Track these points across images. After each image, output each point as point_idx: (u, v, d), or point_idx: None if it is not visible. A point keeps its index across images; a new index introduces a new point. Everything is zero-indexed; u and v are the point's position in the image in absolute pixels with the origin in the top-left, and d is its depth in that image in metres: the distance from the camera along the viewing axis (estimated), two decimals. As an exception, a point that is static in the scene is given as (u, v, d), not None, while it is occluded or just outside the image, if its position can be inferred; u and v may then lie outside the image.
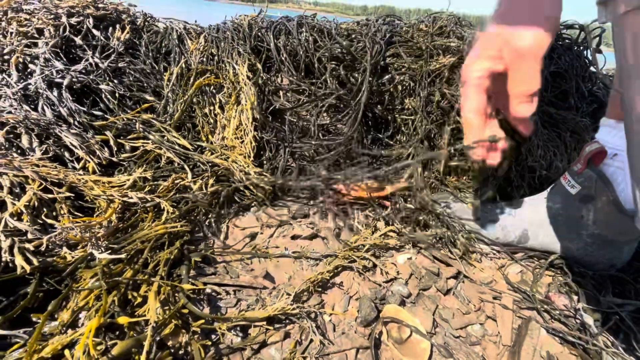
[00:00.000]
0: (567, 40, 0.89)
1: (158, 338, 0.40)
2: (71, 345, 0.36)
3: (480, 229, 0.71)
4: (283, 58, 0.83)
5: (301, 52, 0.82)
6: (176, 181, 0.66)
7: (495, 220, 0.71)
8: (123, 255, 0.46)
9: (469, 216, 0.73)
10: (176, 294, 0.46)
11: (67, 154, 0.63)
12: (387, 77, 0.81)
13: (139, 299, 0.44)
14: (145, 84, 0.77)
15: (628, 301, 0.59)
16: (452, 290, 0.61)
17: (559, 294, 0.61)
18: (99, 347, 0.35)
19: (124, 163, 0.69)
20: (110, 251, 0.47)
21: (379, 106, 0.83)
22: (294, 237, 0.66)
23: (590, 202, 0.63)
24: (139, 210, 0.58)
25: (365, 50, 0.77)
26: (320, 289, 0.55)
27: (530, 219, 0.69)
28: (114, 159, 0.68)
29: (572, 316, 0.58)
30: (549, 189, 0.69)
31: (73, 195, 0.57)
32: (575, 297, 0.61)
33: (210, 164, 0.73)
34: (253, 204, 0.74)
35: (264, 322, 0.46)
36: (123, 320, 0.38)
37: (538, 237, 0.68)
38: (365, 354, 0.47)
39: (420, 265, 0.63)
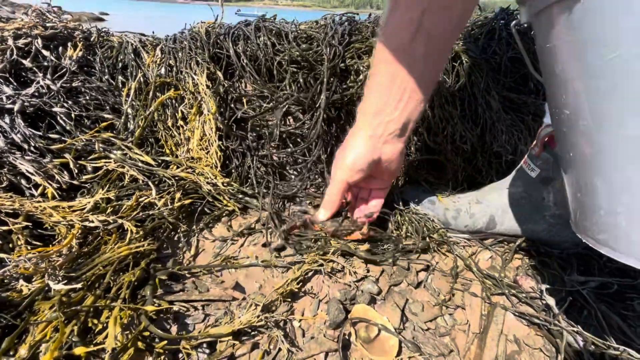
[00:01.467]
0: (524, 25, 0.90)
1: (121, 363, 0.40)
2: (27, 381, 0.36)
3: (448, 221, 0.72)
4: (244, 64, 0.82)
5: (261, 57, 0.82)
6: (140, 199, 0.65)
7: (464, 209, 0.72)
8: (79, 285, 0.45)
9: (438, 208, 0.74)
10: (140, 316, 0.46)
11: (23, 182, 0.62)
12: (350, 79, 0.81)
13: (100, 326, 0.43)
14: (102, 102, 0.76)
15: (590, 278, 0.61)
16: (423, 283, 0.62)
17: (526, 277, 0.63)
18: (52, 382, 0.34)
19: (87, 185, 0.68)
20: (66, 280, 0.46)
21: (343, 109, 0.84)
22: (264, 245, 0.66)
23: (549, 184, 0.65)
24: (101, 234, 0.57)
25: (322, 54, 0.77)
26: (289, 297, 0.55)
27: (496, 205, 0.70)
28: (75, 182, 0.67)
29: (538, 298, 0.59)
30: (512, 174, 0.71)
31: (31, 224, 0.56)
32: (540, 279, 0.63)
33: (176, 178, 0.72)
34: (224, 214, 0.73)
35: (230, 337, 0.46)
36: (80, 350, 0.38)
37: (505, 222, 0.70)
38: (335, 357, 0.48)
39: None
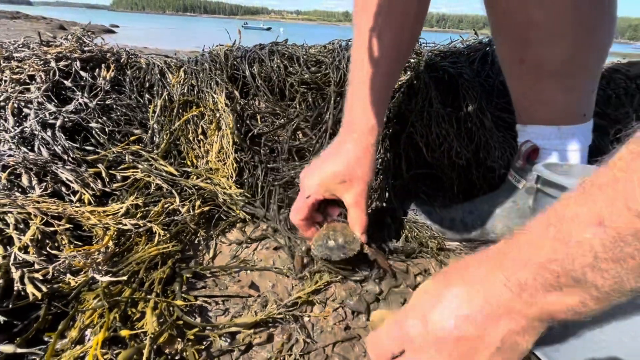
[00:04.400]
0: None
1: (156, 347, 0.47)
2: (81, 358, 0.42)
3: (445, 230, 0.79)
4: (259, 84, 0.91)
5: (274, 78, 0.90)
6: (165, 206, 0.73)
7: (458, 219, 0.79)
8: (125, 277, 0.52)
9: (435, 218, 0.80)
10: (171, 308, 0.53)
11: (64, 189, 0.69)
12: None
13: (138, 314, 0.50)
14: (131, 118, 0.84)
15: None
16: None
17: None
18: (105, 357, 0.41)
19: (117, 192, 0.75)
20: (110, 274, 0.53)
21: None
22: (276, 249, 0.73)
23: (534, 193, 0.71)
24: (132, 235, 0.64)
25: (330, 77, 0.85)
26: (301, 296, 0.61)
27: (488, 215, 0.77)
28: (107, 189, 0.74)
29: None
30: (501, 186, 0.78)
31: (72, 226, 0.63)
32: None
33: (196, 188, 0.79)
34: (238, 222, 0.80)
35: (251, 329, 0.53)
36: (125, 332, 0.44)
37: (496, 230, 0.76)
38: (341, 347, 0.54)
39: (391, 265, 0.71)
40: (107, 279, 0.51)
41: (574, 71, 0.63)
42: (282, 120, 0.88)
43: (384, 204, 0.86)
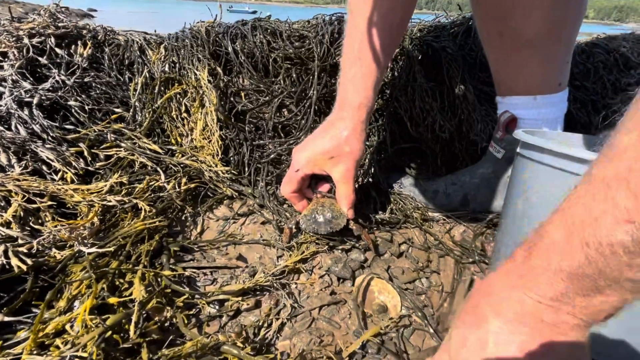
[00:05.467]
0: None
1: (145, 314, 0.48)
2: (70, 327, 0.43)
3: (428, 201, 0.81)
4: (242, 60, 0.90)
5: (258, 54, 0.89)
6: (150, 183, 0.72)
7: (441, 190, 0.81)
8: (111, 249, 0.52)
9: (418, 190, 0.82)
10: (159, 279, 0.54)
11: (44, 167, 0.68)
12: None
13: (125, 285, 0.51)
14: (112, 96, 0.82)
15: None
16: (404, 253, 0.70)
17: (489, 242, 0.72)
18: (94, 321, 0.42)
19: (100, 171, 0.75)
20: (97, 246, 0.53)
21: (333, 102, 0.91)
22: (263, 223, 0.74)
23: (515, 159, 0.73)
24: (118, 212, 0.64)
25: (314, 52, 0.84)
26: (288, 265, 0.63)
27: (469, 186, 0.79)
28: (90, 168, 0.73)
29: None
30: (483, 158, 0.80)
31: (55, 203, 0.62)
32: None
33: (181, 165, 0.79)
34: (225, 198, 0.81)
35: (240, 295, 0.54)
36: (113, 300, 0.45)
37: (477, 200, 0.79)
38: (327, 310, 0.56)
39: (377, 235, 0.72)
40: (94, 250, 0.51)
41: (550, 42, 0.65)
42: (267, 97, 0.88)
43: (370, 179, 0.87)
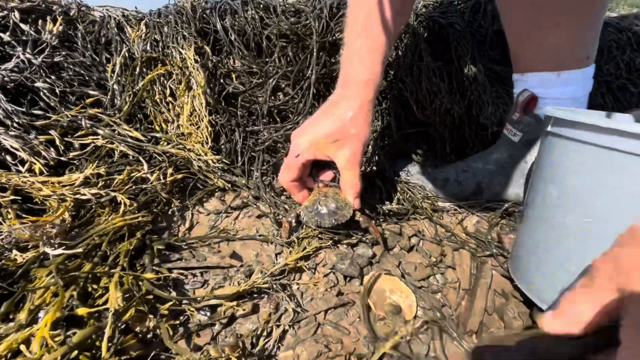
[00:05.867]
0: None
1: (123, 325, 0.41)
2: (28, 341, 0.36)
3: (438, 190, 0.74)
4: (232, 39, 0.81)
5: (249, 31, 0.81)
6: (132, 174, 0.65)
7: (452, 178, 0.74)
8: (80, 250, 0.45)
9: (427, 178, 0.76)
10: (140, 283, 0.46)
11: (9, 158, 0.60)
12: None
13: (100, 291, 0.43)
14: (87, 78, 0.74)
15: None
16: (415, 247, 0.64)
17: (507, 233, 0.66)
18: (57, 339, 0.35)
19: (75, 161, 0.66)
20: (64, 248, 0.46)
21: (333, 84, 0.84)
22: (259, 217, 0.67)
23: (532, 147, 0.67)
24: (94, 206, 0.56)
25: (311, 28, 0.76)
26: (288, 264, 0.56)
27: (482, 172, 0.72)
28: (63, 159, 0.65)
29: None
30: (497, 142, 0.73)
31: (20, 198, 0.54)
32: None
33: (167, 154, 0.71)
34: (217, 190, 0.73)
35: (234, 300, 0.47)
36: (82, 311, 0.38)
37: (491, 188, 0.73)
38: (334, 313, 0.50)
39: (385, 227, 0.66)
40: (60, 251, 0.43)
41: (576, 10, 0.58)
42: (260, 78, 0.80)
43: (374, 167, 0.80)
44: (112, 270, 0.45)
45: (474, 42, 0.86)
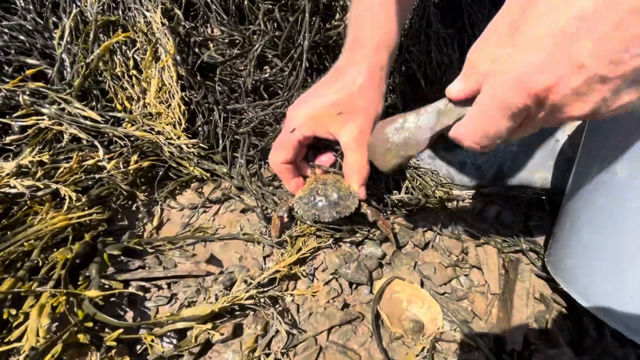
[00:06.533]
0: None
1: (51, 365, 0.29)
2: None
3: (453, 175, 0.64)
4: (209, 0, 0.68)
5: (229, -8, 0.68)
6: (84, 162, 0.52)
7: (469, 162, 0.64)
8: (-10, 262, 0.33)
9: (439, 162, 0.65)
10: (82, 302, 0.35)
11: None
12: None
13: (21, 317, 0.32)
14: (28, 45, 0.60)
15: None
16: (431, 243, 0.54)
17: (536, 224, 0.56)
18: None
19: (12, 147, 0.54)
20: (-31, 259, 0.33)
21: (329, 54, 0.72)
22: (243, 211, 0.55)
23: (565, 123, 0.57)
24: (28, 202, 0.44)
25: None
26: (279, 269, 0.45)
27: (504, 154, 0.62)
28: (-4, 144, 0.52)
29: (560, 251, 0.53)
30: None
31: None
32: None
33: (131, 138, 0.59)
34: (193, 181, 0.62)
35: (209, 321, 0.36)
36: (-19, 353, 0.26)
37: (514, 172, 0.63)
38: (340, 332, 0.39)
39: (393, 221, 0.55)
40: (-39, 267, 0.31)
41: None
42: (243, 47, 0.67)
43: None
44: (40, 288, 0.33)
45: (491, 5, 0.75)
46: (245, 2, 0.67)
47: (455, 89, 0.32)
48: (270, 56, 0.69)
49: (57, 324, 0.31)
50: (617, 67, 0.21)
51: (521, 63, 0.24)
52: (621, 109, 0.23)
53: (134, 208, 0.54)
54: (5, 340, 0.29)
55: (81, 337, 0.31)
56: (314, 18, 0.67)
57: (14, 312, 0.32)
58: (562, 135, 0.58)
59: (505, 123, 0.27)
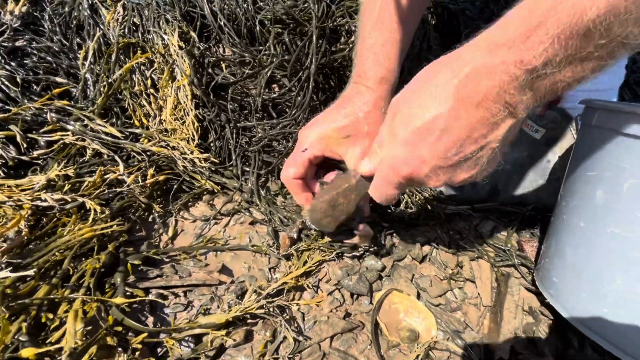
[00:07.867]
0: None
1: (85, 366, 0.33)
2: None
3: (451, 191, 0.68)
4: (221, 24, 0.73)
5: (241, 15, 0.72)
6: (105, 176, 0.56)
7: (465, 179, 0.67)
8: (30, 272, 0.37)
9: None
10: (110, 309, 0.38)
11: (-43, 157, 0.51)
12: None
13: (57, 322, 0.35)
14: (54, 65, 0.65)
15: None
16: (428, 257, 0.57)
17: (528, 240, 0.59)
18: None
19: (39, 161, 0.58)
20: (11, 268, 0.37)
21: (333, 75, 0.76)
22: (252, 224, 0.59)
23: (555, 144, 0.61)
24: (57, 214, 0.48)
25: (310, 12, 0.69)
26: (287, 281, 0.49)
27: (499, 173, 0.66)
28: (25, 158, 0.57)
29: (549, 267, 0.56)
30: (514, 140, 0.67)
31: (-34, 205, 0.46)
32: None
33: (148, 153, 0.63)
34: (204, 194, 0.65)
35: (223, 328, 0.40)
36: (28, 352, 0.30)
37: (508, 190, 0.66)
38: (341, 340, 0.43)
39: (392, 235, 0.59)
40: (6, 274, 0.35)
41: None
42: (253, 68, 0.72)
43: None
44: (73, 295, 0.37)
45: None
46: (257, 27, 0.72)
47: (367, 168, 0.42)
48: (279, 76, 0.73)
49: (89, 327, 0.35)
50: (446, 160, 0.32)
51: (394, 156, 0.36)
52: (465, 181, 0.35)
53: (150, 219, 0.58)
54: (47, 341, 0.33)
55: (109, 340, 0.35)
56: (320, 41, 0.71)
57: (50, 316, 0.35)
58: (553, 157, 0.62)
59: (394, 190, 0.39)
